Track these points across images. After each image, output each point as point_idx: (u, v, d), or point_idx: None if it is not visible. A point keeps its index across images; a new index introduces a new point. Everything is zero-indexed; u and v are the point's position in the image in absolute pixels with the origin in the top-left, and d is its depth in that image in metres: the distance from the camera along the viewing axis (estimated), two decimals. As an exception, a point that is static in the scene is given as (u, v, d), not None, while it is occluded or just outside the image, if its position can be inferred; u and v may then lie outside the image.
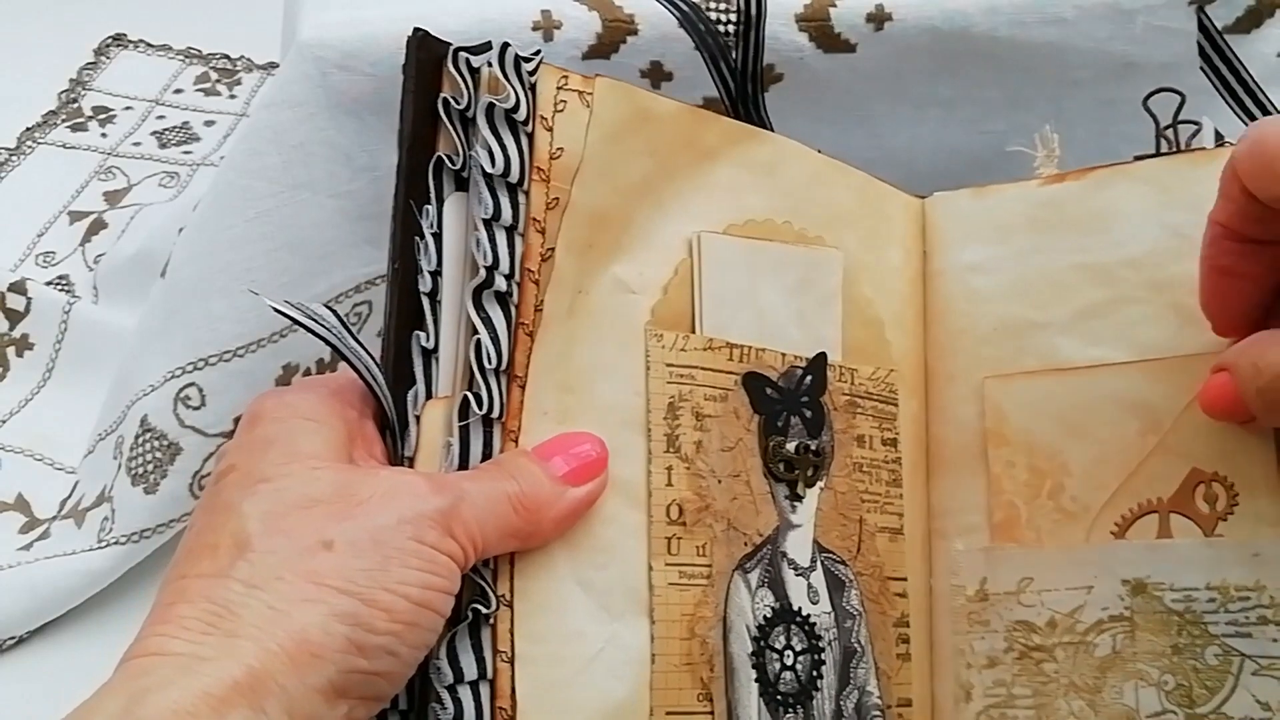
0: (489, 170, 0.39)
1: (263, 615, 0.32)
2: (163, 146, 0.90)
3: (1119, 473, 0.45)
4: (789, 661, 0.42)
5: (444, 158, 0.39)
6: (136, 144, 0.90)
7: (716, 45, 0.54)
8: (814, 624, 0.43)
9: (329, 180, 0.57)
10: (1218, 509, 0.43)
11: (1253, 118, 0.48)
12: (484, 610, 0.36)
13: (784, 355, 0.45)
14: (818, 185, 0.47)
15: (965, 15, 0.56)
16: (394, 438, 0.38)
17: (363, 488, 0.34)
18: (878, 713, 0.45)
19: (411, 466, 0.38)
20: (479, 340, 0.38)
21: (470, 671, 0.36)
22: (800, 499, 0.44)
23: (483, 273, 0.38)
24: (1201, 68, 0.58)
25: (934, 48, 0.57)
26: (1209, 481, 0.44)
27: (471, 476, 0.37)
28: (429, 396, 0.39)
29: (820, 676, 0.43)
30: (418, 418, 0.38)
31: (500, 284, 0.38)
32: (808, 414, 0.45)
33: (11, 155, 0.88)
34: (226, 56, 0.98)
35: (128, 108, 0.93)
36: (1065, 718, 0.45)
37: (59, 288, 0.76)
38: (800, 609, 0.43)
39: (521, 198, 0.40)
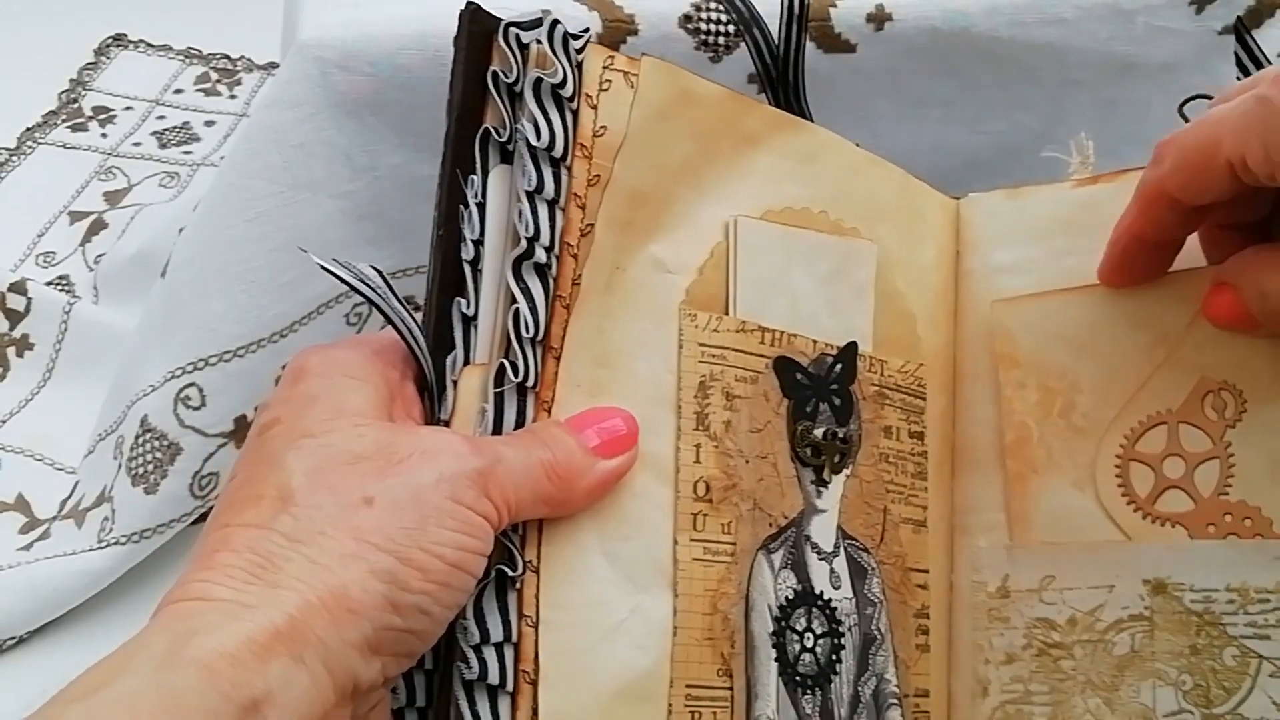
0: (534, 144, 0.39)
1: (304, 569, 0.32)
2: (163, 147, 0.90)
3: (1128, 387, 0.46)
4: (809, 644, 0.43)
5: (491, 129, 0.40)
6: (137, 144, 0.90)
7: (762, 36, 0.54)
8: (835, 608, 0.44)
9: (329, 180, 0.57)
10: (1226, 416, 0.44)
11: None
12: (510, 573, 0.37)
13: (815, 342, 0.45)
14: (856, 178, 0.48)
15: (965, 15, 0.57)
16: (432, 400, 0.39)
17: (404, 445, 0.35)
18: (894, 701, 0.45)
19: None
20: (517, 309, 0.38)
21: (496, 633, 0.37)
22: (826, 484, 0.44)
23: (524, 244, 0.39)
24: (1238, 77, 0.59)
25: (934, 48, 0.57)
26: (1217, 390, 0.44)
27: (508, 442, 0.37)
28: (467, 362, 0.39)
29: (839, 661, 0.43)
30: (455, 382, 0.39)
31: (540, 256, 0.39)
32: (837, 401, 0.45)
33: (12, 155, 0.88)
34: (227, 57, 0.98)
35: (128, 108, 0.93)
36: (1082, 715, 0.45)
37: (59, 288, 0.77)
38: (822, 592, 0.43)
39: (564, 172, 0.40)
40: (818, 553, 0.44)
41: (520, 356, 0.38)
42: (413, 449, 0.35)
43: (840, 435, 0.45)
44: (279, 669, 0.30)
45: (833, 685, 0.43)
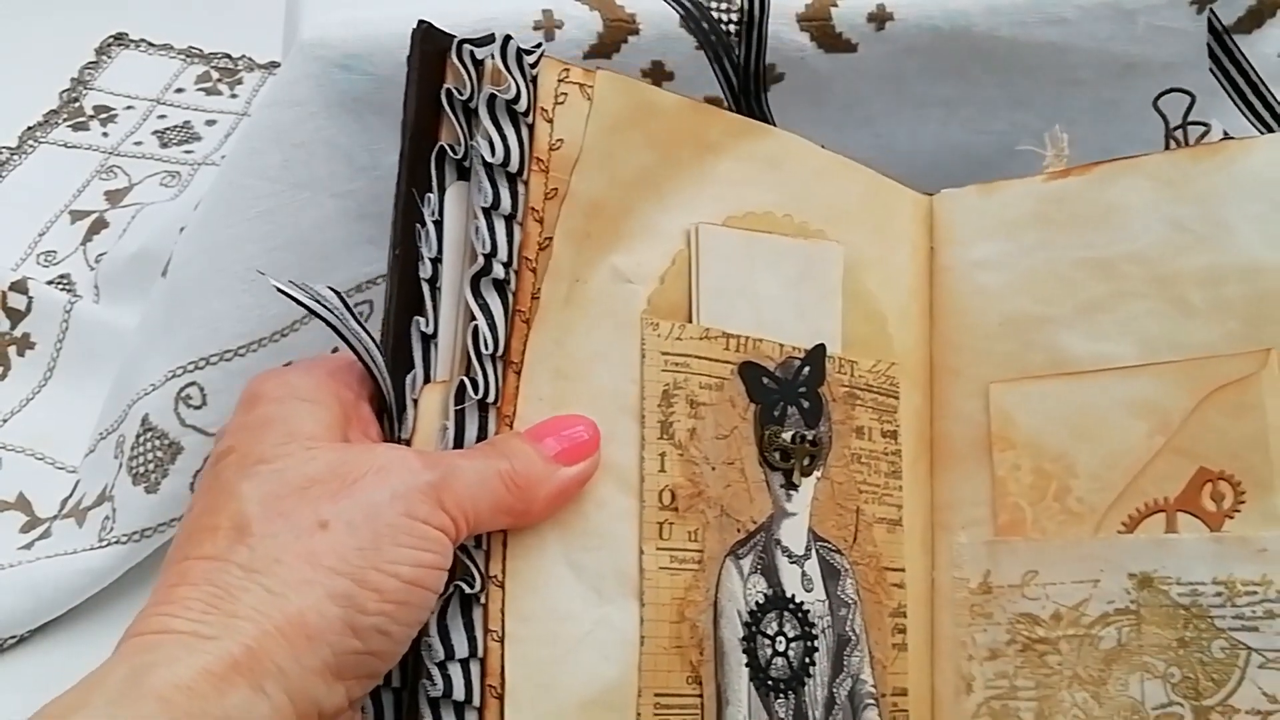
0: (489, 160, 0.39)
1: (261, 599, 0.32)
2: (164, 146, 0.90)
3: (1126, 474, 0.46)
4: (781, 648, 0.43)
5: (446, 147, 0.40)
6: (138, 143, 0.91)
7: (720, 43, 0.54)
8: (807, 611, 0.44)
9: (330, 180, 0.57)
10: (1224, 507, 0.44)
11: (1259, 118, 0.48)
12: (467, 590, 0.37)
13: (782, 346, 0.45)
14: (822, 180, 0.48)
15: (966, 15, 0.56)
16: (391, 420, 0.39)
17: (357, 465, 0.35)
18: (871, 701, 0.45)
19: (408, 448, 0.39)
20: (476, 326, 0.39)
21: (461, 649, 0.37)
22: (796, 487, 0.45)
23: (481, 260, 0.39)
24: (1210, 69, 0.58)
25: (935, 47, 0.57)
26: (1216, 480, 0.44)
27: (464, 454, 0.38)
28: (427, 380, 0.40)
29: (813, 664, 0.44)
30: (415, 401, 0.39)
31: (498, 271, 0.39)
32: (805, 404, 0.45)
33: (13, 154, 0.88)
34: (228, 56, 0.98)
35: (129, 107, 0.93)
36: (1069, 709, 0.45)
37: (60, 287, 0.77)
38: (793, 596, 0.44)
39: (521, 187, 0.40)
40: (788, 556, 0.44)
41: (480, 373, 0.39)
42: (366, 468, 0.35)
43: (809, 438, 0.45)
44: (238, 699, 0.31)
45: (806, 688, 0.43)
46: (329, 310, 0.38)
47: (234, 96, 0.95)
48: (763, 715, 0.42)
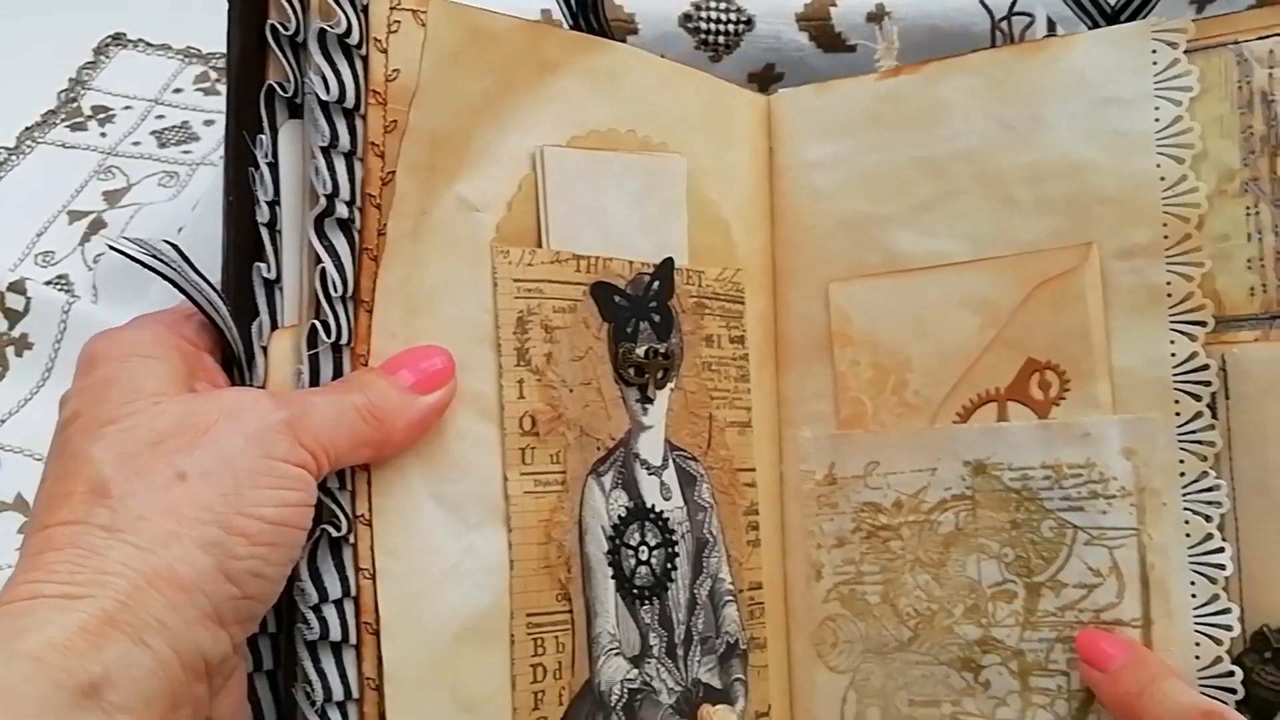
0: (324, 98, 0.38)
1: (129, 554, 0.32)
2: (162, 146, 0.89)
3: (960, 366, 0.48)
4: (644, 556, 0.45)
5: (275, 85, 0.39)
6: (136, 143, 0.89)
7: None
8: (667, 519, 0.46)
9: None
10: (1051, 395, 0.46)
11: (1081, 6, 0.49)
12: (335, 533, 0.38)
13: (631, 263, 0.46)
14: (662, 91, 0.48)
15: (965, 14, 0.57)
16: (241, 370, 0.39)
17: (206, 413, 0.35)
18: (730, 598, 0.47)
19: (263, 395, 0.38)
20: (324, 269, 0.38)
21: (334, 590, 0.38)
22: (651, 401, 0.46)
23: (323, 201, 0.38)
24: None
25: (934, 47, 0.57)
26: (1043, 370, 0.46)
27: (317, 391, 0.38)
28: (274, 327, 0.39)
29: (674, 568, 0.45)
30: (264, 349, 0.39)
31: (342, 211, 0.39)
32: (656, 319, 0.46)
33: (11, 155, 0.87)
34: (226, 56, 0.95)
35: (127, 107, 0.92)
36: (912, 591, 0.48)
37: (58, 287, 0.76)
38: (653, 506, 0.45)
39: (358, 122, 0.40)
40: (647, 468, 0.45)
41: (331, 315, 0.38)
42: (217, 414, 0.35)
43: (662, 351, 0.46)
44: (116, 653, 0.31)
45: (669, 592, 0.45)
46: (166, 264, 0.37)
47: None
48: (630, 623, 0.44)
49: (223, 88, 0.90)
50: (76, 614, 0.31)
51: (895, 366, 0.49)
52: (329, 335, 0.38)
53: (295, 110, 0.39)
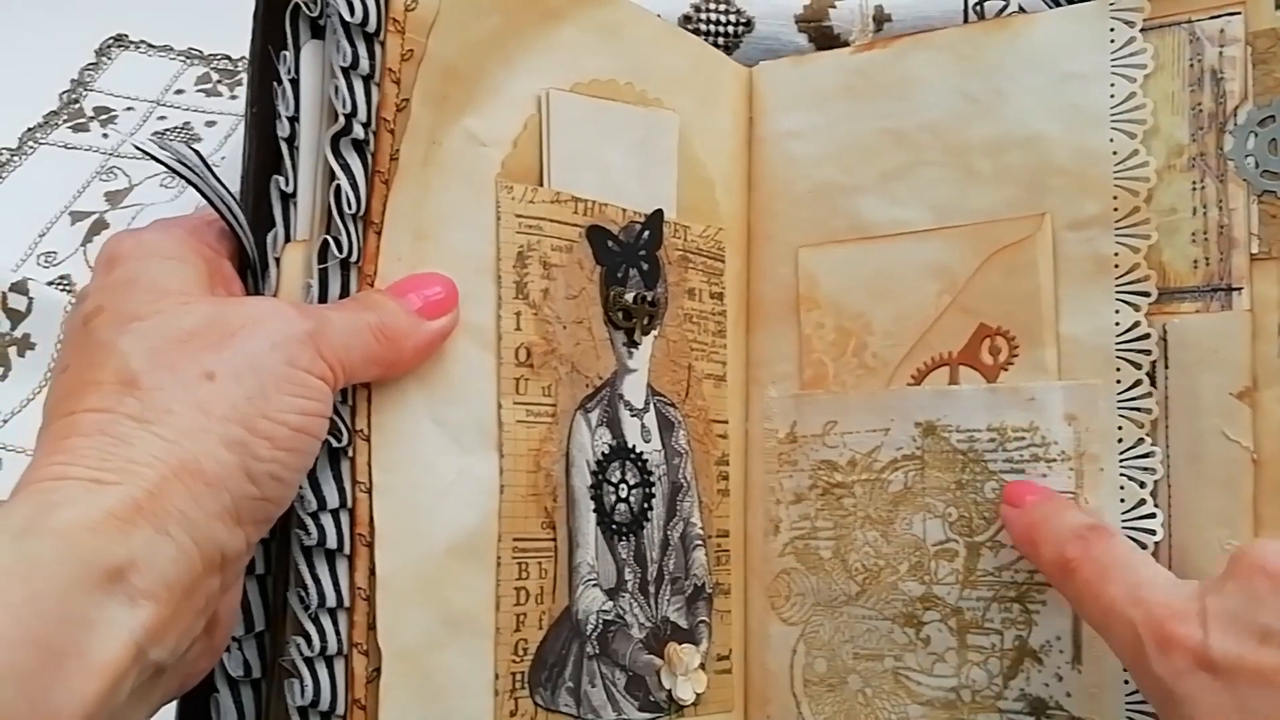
0: (348, 19, 0.39)
1: (157, 446, 0.32)
2: (151, 142, 0.87)
3: (917, 330, 0.50)
4: (623, 494, 0.46)
5: (301, 4, 0.40)
6: (138, 144, 0.87)
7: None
8: (646, 460, 0.47)
9: None
10: (1000, 360, 0.48)
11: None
12: (335, 444, 0.38)
13: (624, 210, 0.47)
14: (658, 48, 0.50)
15: (963, 14, 0.58)
16: (255, 278, 0.40)
17: (234, 316, 0.35)
18: (699, 542, 0.49)
19: (274, 304, 0.39)
20: (339, 186, 0.39)
21: (332, 499, 0.38)
22: (636, 345, 0.47)
23: (342, 120, 0.39)
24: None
25: None
26: (994, 335, 0.48)
27: (334, 307, 0.38)
28: (288, 239, 0.40)
29: (650, 508, 0.47)
30: (277, 259, 0.39)
31: (358, 132, 0.39)
32: (645, 266, 0.48)
33: (13, 155, 0.86)
34: (228, 57, 0.96)
35: (129, 108, 0.91)
36: (861, 547, 0.50)
37: (60, 288, 0.75)
38: (634, 446, 0.47)
39: (378, 48, 0.40)
40: (630, 410, 0.47)
41: (343, 232, 0.39)
42: (244, 319, 0.36)
43: (649, 299, 0.47)
44: (142, 539, 0.31)
45: (645, 531, 0.47)
46: (189, 169, 0.38)
47: (234, 98, 0.93)
48: (607, 556, 0.45)
49: (224, 89, 0.91)
50: (106, 499, 0.31)
51: (857, 330, 0.51)
52: (340, 251, 0.39)
53: (317, 32, 0.40)
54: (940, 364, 0.49)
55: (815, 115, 0.53)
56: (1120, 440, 0.45)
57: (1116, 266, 0.46)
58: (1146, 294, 0.45)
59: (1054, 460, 0.46)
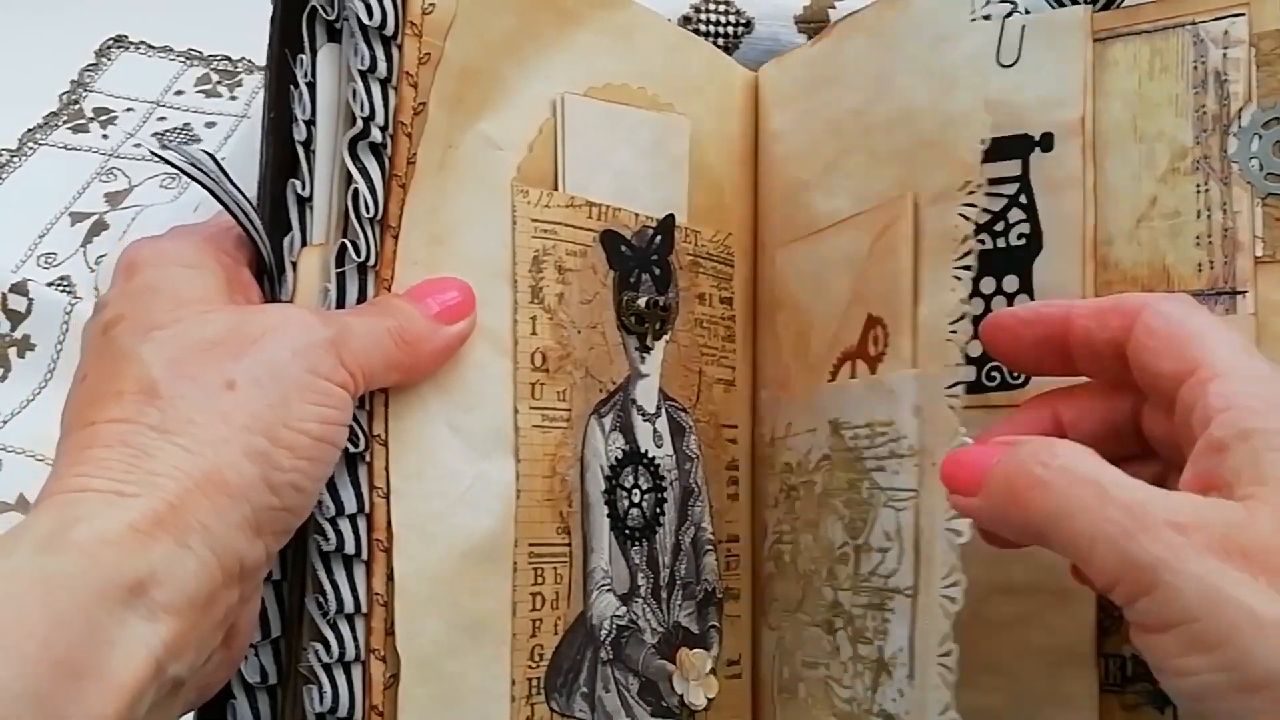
0: (365, 22, 0.39)
1: (179, 457, 0.32)
2: (164, 148, 0.88)
3: (834, 325, 0.47)
4: (636, 499, 0.46)
5: (318, 7, 0.40)
6: (138, 145, 0.89)
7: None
8: (658, 465, 0.47)
9: None
10: (878, 349, 0.44)
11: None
12: (352, 449, 0.38)
13: (637, 215, 0.47)
14: (671, 53, 0.50)
15: None
16: (271, 283, 0.39)
17: (254, 324, 0.35)
18: (710, 547, 0.49)
19: (291, 309, 0.39)
20: (356, 190, 0.39)
21: (350, 505, 0.38)
22: (649, 350, 0.47)
23: (359, 124, 0.39)
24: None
25: None
26: (877, 325, 0.44)
27: (352, 312, 0.38)
28: (304, 243, 0.39)
29: (663, 513, 0.47)
30: (294, 264, 0.39)
31: (376, 135, 0.39)
32: (657, 271, 0.47)
33: (13, 156, 0.87)
34: (228, 58, 0.97)
35: (129, 109, 0.92)
36: (805, 550, 0.47)
37: (60, 289, 0.75)
38: (646, 451, 0.47)
39: (395, 51, 0.40)
40: (642, 414, 0.47)
41: (361, 236, 0.39)
42: (264, 327, 0.35)
43: (661, 303, 0.47)
44: (162, 553, 0.31)
45: (657, 536, 0.47)
46: (204, 173, 0.37)
47: (234, 98, 0.94)
48: (621, 561, 0.45)
49: (224, 90, 0.91)
50: (128, 512, 0.31)
51: (803, 328, 0.48)
52: (357, 255, 0.39)
53: (333, 35, 0.40)
54: (846, 359, 0.46)
55: (786, 113, 0.51)
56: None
57: (954, 240, 0.40)
58: (967, 268, 0.40)
59: (904, 456, 0.41)
